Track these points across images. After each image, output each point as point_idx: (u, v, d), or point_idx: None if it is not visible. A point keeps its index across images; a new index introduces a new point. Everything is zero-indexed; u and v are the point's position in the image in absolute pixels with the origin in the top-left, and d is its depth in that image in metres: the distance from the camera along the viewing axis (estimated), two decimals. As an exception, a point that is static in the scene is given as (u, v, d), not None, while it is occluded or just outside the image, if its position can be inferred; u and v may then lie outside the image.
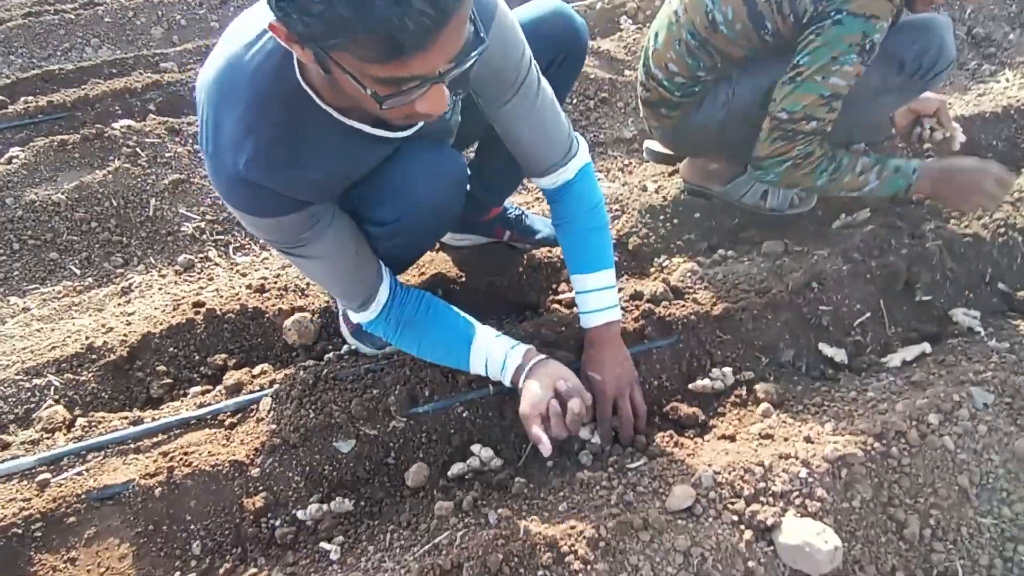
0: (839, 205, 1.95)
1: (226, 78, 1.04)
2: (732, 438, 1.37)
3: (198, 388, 1.62)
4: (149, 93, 2.80)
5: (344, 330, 1.65)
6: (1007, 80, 2.56)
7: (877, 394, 1.40)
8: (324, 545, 1.28)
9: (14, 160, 2.34)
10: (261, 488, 1.35)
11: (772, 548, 1.13)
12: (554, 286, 1.83)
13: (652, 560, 1.10)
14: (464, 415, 1.44)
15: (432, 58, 0.82)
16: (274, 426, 1.41)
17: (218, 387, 1.59)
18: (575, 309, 1.51)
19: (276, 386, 1.50)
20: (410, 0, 0.74)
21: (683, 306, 1.59)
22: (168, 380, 1.64)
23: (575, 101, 2.59)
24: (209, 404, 1.52)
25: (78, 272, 2.14)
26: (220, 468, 1.35)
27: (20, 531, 1.26)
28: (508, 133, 1.33)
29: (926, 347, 1.53)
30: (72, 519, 1.30)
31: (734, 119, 1.72)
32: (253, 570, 1.26)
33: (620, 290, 1.66)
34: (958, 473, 1.23)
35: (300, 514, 1.34)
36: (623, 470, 1.29)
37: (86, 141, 2.38)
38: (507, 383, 1.33)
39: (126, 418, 1.52)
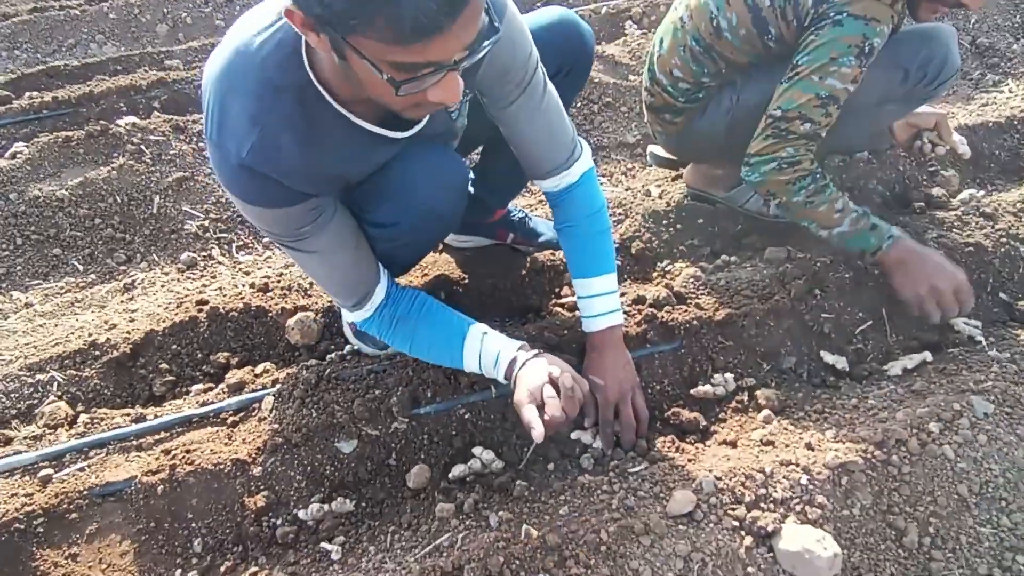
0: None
1: (234, 67, 1.04)
2: (733, 444, 1.38)
3: (200, 386, 1.62)
4: (154, 90, 2.80)
5: (347, 330, 1.65)
6: (1010, 90, 2.57)
7: (878, 402, 1.41)
8: (325, 545, 1.29)
9: (18, 155, 2.34)
10: (263, 487, 1.36)
11: (772, 554, 1.14)
12: (556, 289, 1.84)
13: (652, 565, 1.11)
14: (466, 417, 1.44)
15: (449, 43, 0.83)
16: (276, 425, 1.41)
17: (220, 385, 1.59)
18: (577, 313, 1.51)
19: (279, 385, 1.50)
20: None
21: (685, 311, 1.59)
22: (171, 378, 1.65)
23: (579, 105, 2.60)
24: (211, 402, 1.52)
25: (81, 268, 2.14)
26: (222, 466, 1.36)
27: (22, 526, 1.26)
28: (513, 134, 1.34)
29: (927, 356, 1.53)
30: (74, 515, 1.30)
31: (738, 125, 1.73)
32: (254, 569, 1.26)
33: (623, 294, 1.66)
34: (958, 482, 1.23)
35: (301, 514, 1.34)
36: (624, 474, 1.30)
37: (90, 138, 2.38)
38: (501, 378, 1.31)
39: (128, 415, 1.52)
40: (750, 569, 1.12)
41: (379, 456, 1.41)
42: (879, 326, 1.61)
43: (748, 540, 1.14)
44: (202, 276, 2.08)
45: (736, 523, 1.16)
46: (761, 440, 1.35)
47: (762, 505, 1.19)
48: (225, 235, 2.25)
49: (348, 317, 1.38)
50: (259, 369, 1.63)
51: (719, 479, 1.22)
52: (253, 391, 1.53)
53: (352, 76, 0.92)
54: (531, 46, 1.23)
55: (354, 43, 0.83)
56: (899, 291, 1.54)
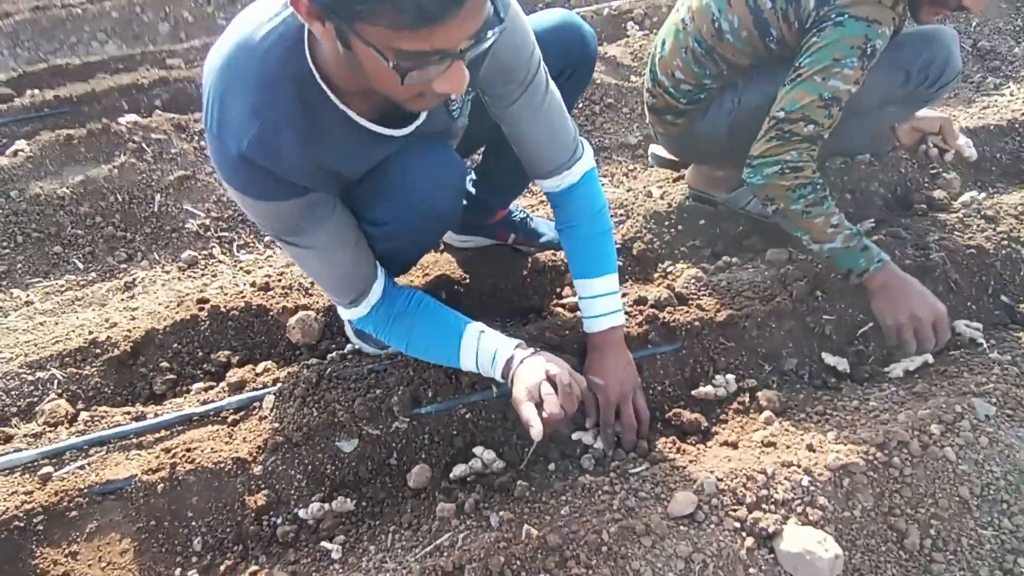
0: (843, 214, 1.95)
1: (236, 60, 1.04)
2: (734, 445, 1.38)
3: (201, 385, 1.62)
4: (155, 89, 2.80)
5: (348, 330, 1.65)
6: (1011, 94, 2.57)
7: (879, 404, 1.41)
8: (325, 544, 1.28)
9: (19, 153, 2.34)
10: (263, 486, 1.35)
11: (773, 556, 1.14)
12: (558, 289, 1.84)
13: (653, 566, 1.10)
14: (467, 417, 1.44)
15: (455, 31, 0.83)
16: (277, 424, 1.41)
17: (221, 384, 1.59)
18: (578, 313, 1.51)
19: (279, 384, 1.50)
20: None
21: (687, 312, 1.59)
22: (171, 376, 1.64)
23: (581, 106, 2.60)
24: (212, 401, 1.52)
25: (81, 266, 2.14)
26: (222, 465, 1.36)
27: (22, 524, 1.26)
28: (515, 132, 1.34)
29: (928, 358, 1.53)
30: (74, 513, 1.30)
31: (739, 127, 1.73)
32: (254, 568, 1.26)
33: (624, 295, 1.66)
34: (959, 484, 1.23)
35: (302, 513, 1.34)
36: (625, 475, 1.30)
37: (92, 136, 2.38)
38: (498, 376, 1.30)
39: (128, 413, 1.52)
40: (751, 570, 1.11)
41: (380, 455, 1.41)
42: (880, 328, 1.61)
43: (749, 541, 1.14)
44: (203, 275, 2.08)
45: (737, 524, 1.16)
46: (762, 441, 1.35)
47: (763, 506, 1.19)
48: (226, 234, 2.24)
49: (344, 315, 1.37)
50: (260, 368, 1.62)
51: (720, 480, 1.22)
52: (254, 390, 1.53)
53: (356, 66, 0.92)
54: (534, 45, 1.23)
55: (360, 30, 0.83)
56: (880, 315, 1.53)
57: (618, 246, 1.86)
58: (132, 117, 2.52)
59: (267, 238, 2.22)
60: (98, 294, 2.02)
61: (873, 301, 1.54)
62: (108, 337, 1.67)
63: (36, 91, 2.85)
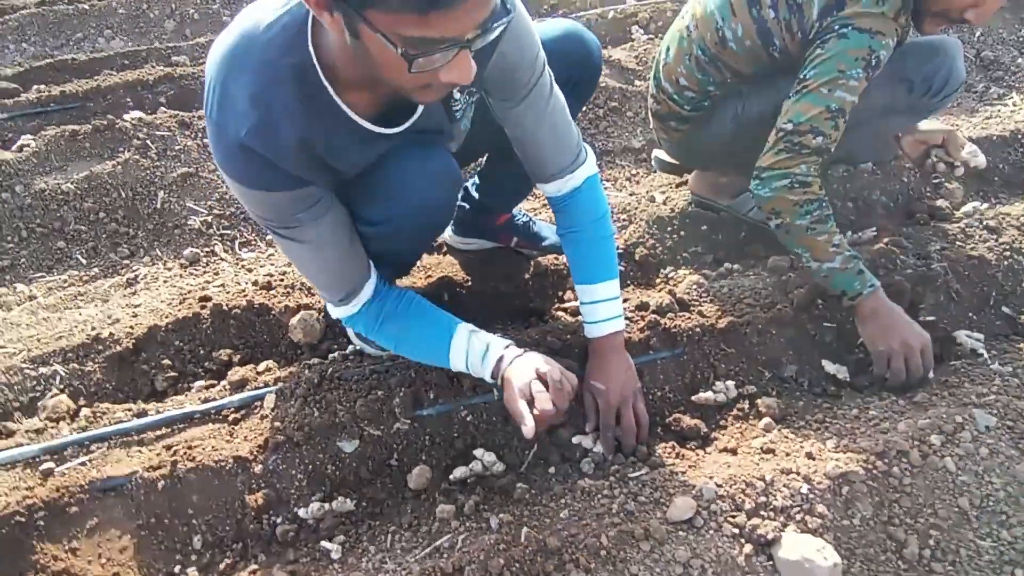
0: (845, 223, 1.96)
1: (239, 48, 1.04)
2: (734, 451, 1.38)
3: (202, 383, 1.62)
4: (161, 86, 2.81)
5: (350, 331, 1.65)
6: (1015, 104, 2.57)
7: (879, 412, 1.41)
8: (325, 544, 1.29)
9: (25, 148, 2.35)
10: (263, 485, 1.36)
11: (771, 563, 1.14)
12: (560, 294, 1.84)
13: (652, 570, 1.11)
14: (468, 419, 1.44)
15: (463, 18, 0.85)
16: (278, 423, 1.41)
17: (222, 382, 1.59)
18: (580, 318, 1.51)
19: (281, 384, 1.50)
20: None
21: (688, 318, 1.60)
22: (173, 373, 1.65)
23: (584, 109, 2.60)
24: (214, 399, 1.52)
25: (84, 262, 2.14)
26: (223, 463, 1.36)
27: (23, 519, 1.26)
28: (518, 135, 1.34)
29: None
30: (75, 509, 1.30)
31: (743, 134, 1.74)
32: (253, 566, 1.27)
33: (626, 300, 1.66)
34: (959, 495, 1.24)
35: (302, 512, 1.34)
36: (625, 479, 1.30)
37: (97, 132, 2.38)
38: (488, 376, 1.30)
39: (130, 410, 1.52)
40: (749, 577, 1.12)
41: (380, 456, 1.42)
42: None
43: (748, 548, 1.14)
44: (205, 272, 2.08)
45: (736, 530, 1.17)
46: (762, 448, 1.35)
47: (762, 513, 1.19)
48: (228, 231, 2.25)
49: (334, 313, 1.36)
50: (261, 367, 1.63)
51: (720, 486, 1.22)
52: (255, 389, 1.54)
53: (363, 56, 0.92)
54: (538, 47, 1.24)
55: (369, 17, 0.84)
56: (871, 343, 1.52)
57: (621, 251, 1.87)
58: (137, 114, 2.52)
59: (269, 236, 2.22)
60: (100, 290, 2.03)
61: (862, 327, 1.54)
62: (111, 333, 1.68)
63: (42, 86, 2.85)
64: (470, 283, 1.83)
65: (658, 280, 1.85)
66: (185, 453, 1.37)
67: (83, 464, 1.38)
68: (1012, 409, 1.35)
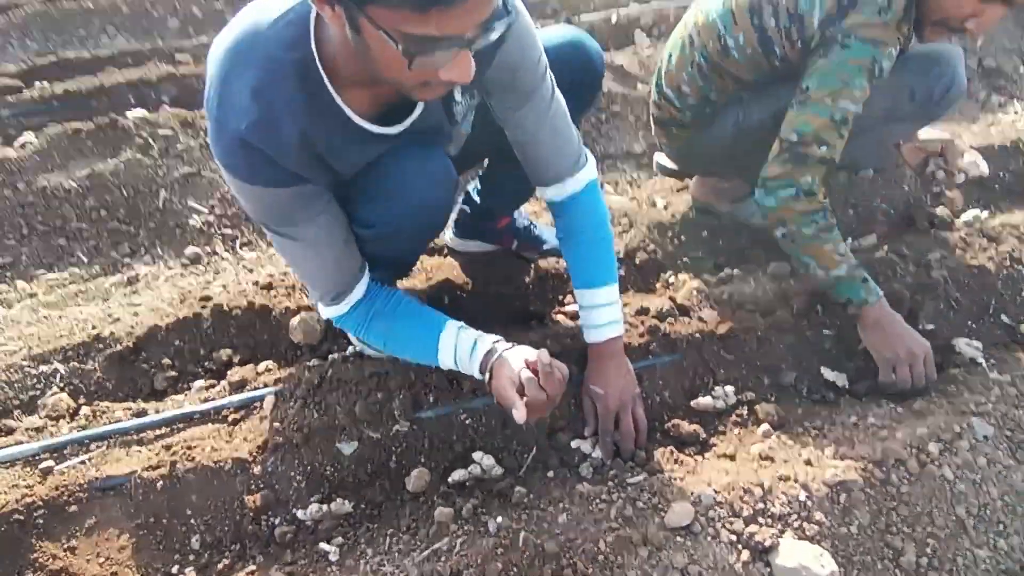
0: (846, 230, 1.96)
1: (243, 44, 1.04)
2: (732, 457, 1.38)
3: (202, 383, 1.62)
4: (163, 84, 2.81)
5: (350, 332, 1.66)
6: (1016, 112, 2.58)
7: (878, 420, 1.41)
8: (323, 546, 1.29)
9: (27, 145, 2.35)
10: (262, 486, 1.36)
11: (769, 570, 1.14)
12: (560, 297, 1.84)
13: (650, 576, 1.11)
14: (467, 422, 1.45)
15: (464, 16, 0.85)
16: (277, 424, 1.42)
17: (222, 382, 1.59)
18: (579, 322, 1.52)
19: (281, 385, 1.50)
20: None
21: (688, 323, 1.60)
22: (173, 373, 1.65)
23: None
24: (213, 399, 1.53)
25: (85, 260, 2.14)
26: (222, 464, 1.36)
27: (22, 517, 1.26)
28: (519, 137, 1.34)
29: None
30: (73, 508, 1.30)
31: (744, 140, 1.74)
32: (251, 567, 1.27)
33: (626, 305, 1.67)
34: (956, 503, 1.24)
35: (300, 514, 1.34)
36: (623, 484, 1.30)
37: (99, 130, 2.39)
38: (476, 371, 1.28)
39: (130, 409, 1.53)
40: (747, 584, 1.12)
41: (379, 458, 1.42)
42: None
43: (745, 554, 1.15)
44: (205, 271, 2.09)
45: (734, 537, 1.17)
46: (760, 455, 1.35)
47: (760, 520, 1.19)
48: (230, 231, 2.25)
49: (323, 313, 1.35)
50: (261, 367, 1.63)
51: (718, 492, 1.22)
52: (255, 389, 1.54)
53: (364, 52, 0.92)
54: (540, 50, 1.24)
55: (371, 13, 0.84)
56: (876, 351, 1.53)
57: (621, 255, 1.87)
58: (139, 112, 2.52)
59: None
60: (101, 288, 2.03)
61: (866, 336, 1.55)
62: (111, 332, 1.68)
63: (45, 84, 2.85)
64: (470, 286, 1.84)
65: (658, 285, 1.85)
66: (184, 453, 1.37)
67: (82, 463, 1.38)
68: (1010, 418, 1.35)
